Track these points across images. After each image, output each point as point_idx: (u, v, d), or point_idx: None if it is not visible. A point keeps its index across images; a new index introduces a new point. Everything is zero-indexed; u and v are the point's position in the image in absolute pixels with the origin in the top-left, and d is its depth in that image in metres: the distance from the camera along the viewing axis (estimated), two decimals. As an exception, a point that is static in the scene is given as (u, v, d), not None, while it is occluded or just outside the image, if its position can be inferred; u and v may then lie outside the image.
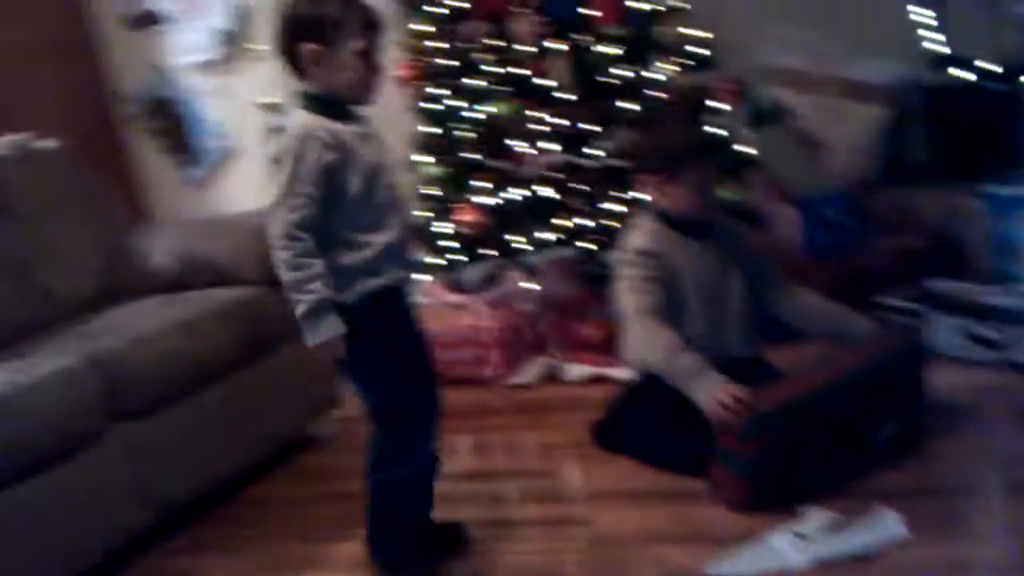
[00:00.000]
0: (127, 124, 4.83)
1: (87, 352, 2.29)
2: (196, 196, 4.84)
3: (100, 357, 2.29)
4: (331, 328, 1.78)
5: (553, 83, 3.14)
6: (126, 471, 2.30)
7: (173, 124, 4.76)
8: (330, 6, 1.80)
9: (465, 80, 3.29)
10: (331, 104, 1.84)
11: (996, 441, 2.21)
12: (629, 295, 2.30)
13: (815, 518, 1.89)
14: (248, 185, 4.69)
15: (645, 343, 2.26)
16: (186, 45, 4.60)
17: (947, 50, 3.50)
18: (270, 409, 2.67)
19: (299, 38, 1.80)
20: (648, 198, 2.39)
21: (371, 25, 1.82)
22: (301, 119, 1.83)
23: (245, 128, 4.66)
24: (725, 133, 3.15)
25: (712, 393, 2.06)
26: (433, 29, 3.38)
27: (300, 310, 1.77)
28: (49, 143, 3.06)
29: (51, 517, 2.11)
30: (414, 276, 2.00)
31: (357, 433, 2.19)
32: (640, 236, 2.36)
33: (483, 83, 3.26)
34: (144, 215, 4.70)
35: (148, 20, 4.64)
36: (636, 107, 3.09)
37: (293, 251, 1.77)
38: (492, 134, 3.18)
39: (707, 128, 3.14)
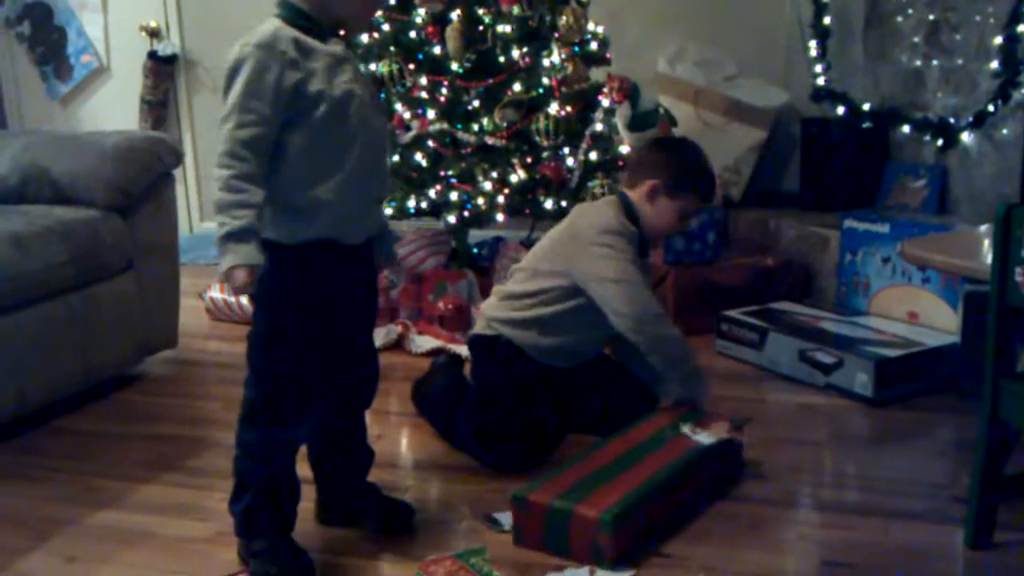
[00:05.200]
0: (-1, 27, 4.59)
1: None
2: (61, 112, 4.62)
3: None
4: (246, 257, 1.55)
5: (444, 51, 3.09)
6: (-72, 382, 2.18)
7: (48, 34, 4.52)
8: None
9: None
10: (314, 20, 1.66)
11: (808, 459, 2.28)
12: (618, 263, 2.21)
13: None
14: (115, 107, 4.51)
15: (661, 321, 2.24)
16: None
17: (823, 82, 3.62)
18: (97, 340, 2.57)
19: None
20: (627, 196, 2.32)
21: None
22: (272, 26, 1.63)
23: (122, 49, 4.47)
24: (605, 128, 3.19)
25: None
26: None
27: (221, 231, 1.55)
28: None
29: None
30: (366, 235, 1.77)
31: (187, 377, 2.13)
32: (611, 221, 2.27)
33: (371, 40, 3.18)
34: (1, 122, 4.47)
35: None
36: (522, 89, 3.09)
37: (233, 171, 1.56)
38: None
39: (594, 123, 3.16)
